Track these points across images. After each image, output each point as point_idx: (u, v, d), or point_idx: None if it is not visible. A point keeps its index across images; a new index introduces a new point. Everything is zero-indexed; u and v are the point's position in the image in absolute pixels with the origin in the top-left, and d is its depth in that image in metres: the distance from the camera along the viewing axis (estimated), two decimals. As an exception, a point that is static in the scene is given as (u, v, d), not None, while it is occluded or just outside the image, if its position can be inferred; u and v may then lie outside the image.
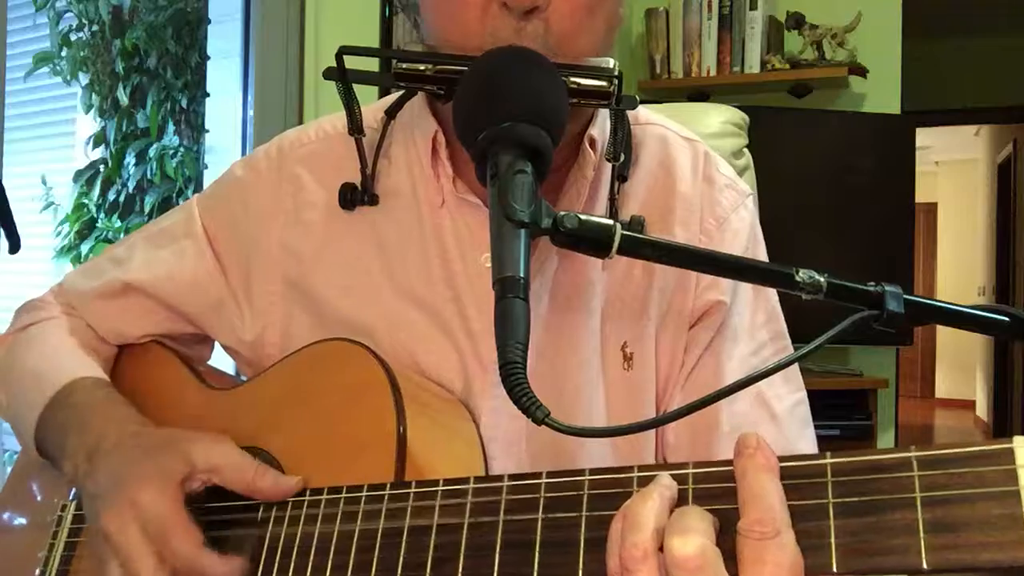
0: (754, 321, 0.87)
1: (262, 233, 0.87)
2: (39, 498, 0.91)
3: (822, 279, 0.62)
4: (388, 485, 0.64)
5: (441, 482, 0.62)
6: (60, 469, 0.81)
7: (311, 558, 0.65)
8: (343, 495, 0.66)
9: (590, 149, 0.81)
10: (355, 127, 0.81)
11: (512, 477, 0.59)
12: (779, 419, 0.83)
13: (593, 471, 0.56)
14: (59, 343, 0.92)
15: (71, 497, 0.86)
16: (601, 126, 0.83)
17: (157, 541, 0.67)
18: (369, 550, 0.62)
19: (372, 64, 0.76)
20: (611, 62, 0.72)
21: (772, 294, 0.89)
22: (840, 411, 2.82)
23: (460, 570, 0.58)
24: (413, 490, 0.62)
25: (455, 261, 0.82)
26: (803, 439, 0.85)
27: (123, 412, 0.81)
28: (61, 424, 0.82)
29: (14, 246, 1.13)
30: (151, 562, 0.66)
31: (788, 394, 0.85)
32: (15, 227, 1.13)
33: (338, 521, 0.65)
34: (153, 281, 0.90)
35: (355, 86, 0.78)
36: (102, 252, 1.00)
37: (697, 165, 0.88)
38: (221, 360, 1.00)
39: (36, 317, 0.95)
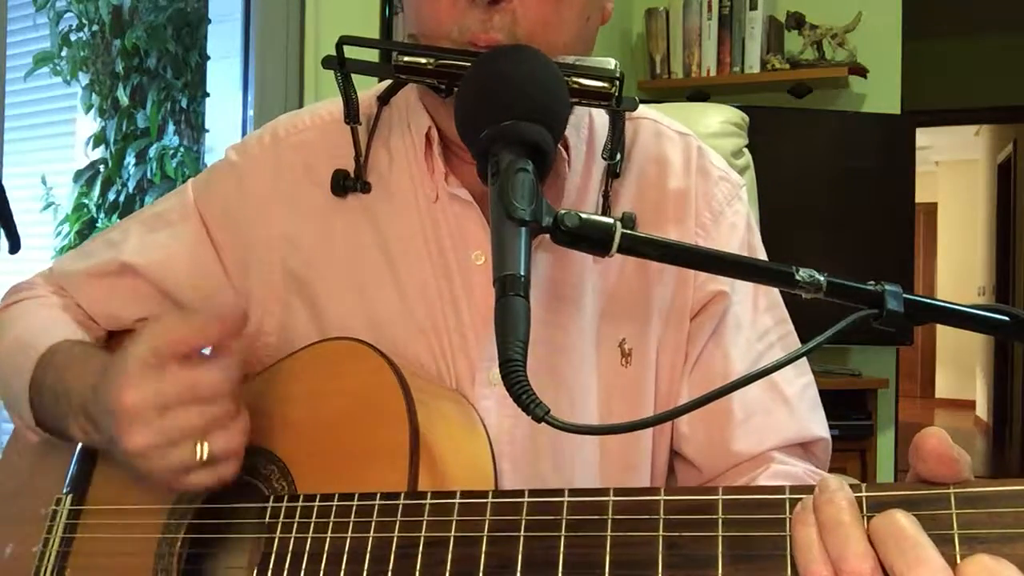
0: (756, 307, 0.87)
1: (259, 221, 0.86)
2: (31, 489, 0.89)
3: (822, 278, 0.62)
4: (402, 495, 0.63)
5: (458, 494, 0.61)
6: (68, 436, 0.79)
7: (322, 566, 0.63)
8: (355, 502, 0.64)
9: (563, 149, 0.82)
10: (351, 116, 0.81)
11: (532, 493, 0.58)
12: (791, 403, 0.84)
13: (617, 491, 0.56)
14: (47, 315, 0.90)
15: (65, 489, 0.84)
16: (575, 125, 0.83)
17: (182, 394, 0.66)
18: (383, 560, 0.61)
19: (373, 56, 0.76)
20: (613, 63, 0.72)
21: None
22: (840, 411, 2.81)
23: None
24: (429, 501, 0.61)
25: (449, 257, 0.82)
26: (815, 422, 0.86)
27: (98, 363, 0.77)
28: (51, 388, 0.80)
29: (14, 246, 1.13)
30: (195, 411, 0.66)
31: (796, 378, 0.86)
32: (15, 227, 1.12)
33: (350, 529, 0.63)
34: (149, 265, 0.89)
35: (356, 77, 0.78)
36: (95, 236, 0.97)
37: (690, 158, 0.87)
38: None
39: (25, 296, 0.93)
